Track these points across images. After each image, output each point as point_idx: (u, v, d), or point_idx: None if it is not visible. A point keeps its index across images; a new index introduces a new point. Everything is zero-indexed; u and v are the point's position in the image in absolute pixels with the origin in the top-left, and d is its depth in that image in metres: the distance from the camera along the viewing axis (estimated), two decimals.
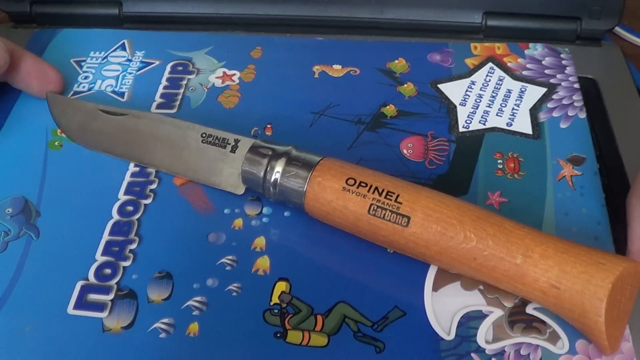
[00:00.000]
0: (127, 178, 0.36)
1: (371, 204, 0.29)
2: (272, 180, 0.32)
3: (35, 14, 0.47)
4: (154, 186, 0.36)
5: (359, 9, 0.46)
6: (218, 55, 0.43)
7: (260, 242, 0.33)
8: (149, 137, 0.36)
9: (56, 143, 0.38)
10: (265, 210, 0.34)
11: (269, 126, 0.38)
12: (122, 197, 0.35)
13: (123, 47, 0.44)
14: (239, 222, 0.34)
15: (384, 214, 0.29)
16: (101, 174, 0.36)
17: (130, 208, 0.35)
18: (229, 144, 0.34)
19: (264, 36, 0.45)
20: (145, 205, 0.35)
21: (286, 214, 0.34)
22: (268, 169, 0.32)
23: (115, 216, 0.34)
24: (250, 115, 0.39)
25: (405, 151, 0.37)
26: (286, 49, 0.43)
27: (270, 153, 0.32)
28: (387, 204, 0.29)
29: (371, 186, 0.30)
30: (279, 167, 0.32)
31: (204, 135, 0.35)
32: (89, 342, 0.30)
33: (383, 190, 0.29)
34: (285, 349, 0.29)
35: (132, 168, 0.36)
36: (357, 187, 0.30)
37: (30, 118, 0.39)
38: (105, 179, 0.36)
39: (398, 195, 0.29)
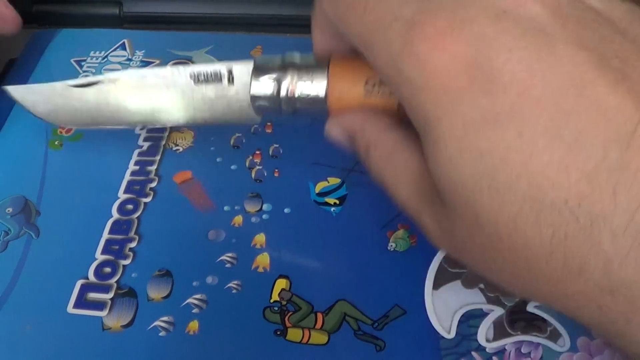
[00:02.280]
0: (127, 176, 0.36)
1: (398, 103, 0.27)
2: (286, 99, 0.28)
3: (35, 14, 0.47)
4: (153, 184, 0.36)
5: None
6: (218, 54, 0.43)
7: (260, 239, 0.33)
8: (136, 98, 0.32)
9: (56, 142, 0.38)
10: (265, 207, 0.34)
11: (269, 124, 0.38)
12: (122, 195, 0.35)
13: (123, 47, 0.44)
14: (238, 219, 0.34)
15: None
16: (101, 173, 0.36)
17: (130, 206, 0.35)
18: (223, 76, 0.30)
19: (264, 36, 0.45)
20: (145, 203, 0.35)
21: (286, 210, 0.34)
22: (280, 87, 0.28)
23: (115, 215, 0.34)
24: None
25: None
26: (286, 48, 0.43)
27: (275, 73, 0.29)
28: None
29: None
30: (288, 85, 0.28)
31: (192, 75, 0.30)
32: (89, 341, 0.30)
33: None
34: (285, 346, 0.29)
35: (132, 167, 0.36)
36: (379, 87, 0.27)
37: (31, 117, 0.39)
38: (105, 178, 0.36)
39: None
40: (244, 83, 0.30)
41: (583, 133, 0.17)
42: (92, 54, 0.43)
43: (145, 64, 0.42)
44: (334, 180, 0.35)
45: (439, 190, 0.21)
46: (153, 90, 0.31)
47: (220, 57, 0.43)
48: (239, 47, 0.44)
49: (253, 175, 0.36)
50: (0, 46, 0.44)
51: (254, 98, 0.29)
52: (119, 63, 0.43)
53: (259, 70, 0.29)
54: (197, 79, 0.30)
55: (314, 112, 0.29)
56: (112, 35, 0.45)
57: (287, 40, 0.45)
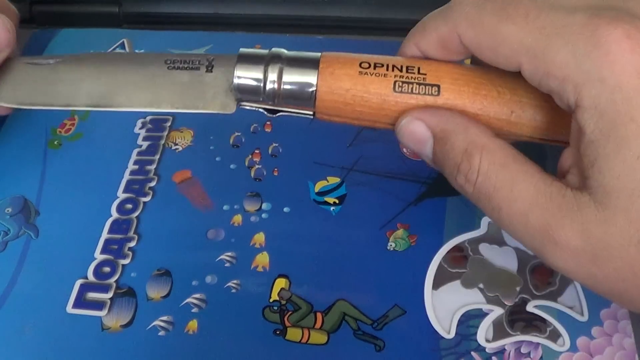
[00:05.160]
0: (126, 176, 0.36)
1: (395, 81, 0.26)
2: (274, 85, 0.27)
3: (35, 14, 0.47)
4: (153, 184, 0.35)
5: (359, 9, 0.46)
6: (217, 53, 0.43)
7: (259, 238, 0.33)
8: (96, 77, 0.29)
9: (55, 142, 0.38)
10: (264, 206, 0.34)
11: (268, 123, 0.38)
12: (121, 195, 0.35)
13: (122, 47, 0.44)
14: (238, 218, 0.34)
15: (412, 88, 0.26)
16: (100, 173, 0.36)
17: (129, 206, 0.35)
18: (202, 64, 0.29)
19: (264, 35, 0.45)
20: (144, 202, 0.35)
21: (286, 209, 0.34)
22: (267, 73, 0.27)
23: (114, 214, 0.34)
24: (249, 112, 0.39)
25: (405, 150, 0.37)
26: (286, 47, 0.43)
27: (264, 58, 0.28)
28: (412, 77, 0.27)
29: (388, 65, 0.27)
30: (277, 70, 0.27)
31: (168, 62, 0.29)
32: (88, 341, 0.30)
33: (402, 66, 0.27)
34: (285, 346, 0.29)
35: (131, 166, 0.36)
36: (374, 69, 0.27)
37: (30, 117, 0.39)
38: (104, 177, 0.36)
39: (419, 68, 0.27)
40: (224, 71, 0.28)
41: None
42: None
43: None
44: (333, 180, 0.35)
45: (603, 192, 0.21)
46: (118, 70, 0.29)
47: None
48: (238, 46, 0.43)
49: (252, 174, 0.36)
50: None
51: (237, 85, 0.28)
52: None
53: (244, 58, 0.28)
54: (172, 65, 0.29)
55: (300, 98, 0.27)
56: (111, 35, 0.45)
57: (287, 39, 0.45)
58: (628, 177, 0.20)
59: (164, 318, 0.30)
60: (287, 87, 0.27)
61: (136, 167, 0.36)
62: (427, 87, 0.26)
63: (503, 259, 0.31)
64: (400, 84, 0.26)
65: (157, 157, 0.37)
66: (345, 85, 0.27)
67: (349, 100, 0.27)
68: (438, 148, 0.25)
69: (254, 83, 0.27)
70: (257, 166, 0.36)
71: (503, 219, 0.23)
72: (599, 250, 0.21)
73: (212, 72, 0.28)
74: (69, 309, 0.31)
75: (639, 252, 0.21)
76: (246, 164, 0.36)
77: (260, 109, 0.29)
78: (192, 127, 0.38)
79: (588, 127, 0.21)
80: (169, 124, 0.38)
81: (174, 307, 0.30)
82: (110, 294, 0.31)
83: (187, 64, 0.29)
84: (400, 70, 0.26)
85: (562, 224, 0.22)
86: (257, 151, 0.37)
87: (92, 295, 0.31)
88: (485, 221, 0.33)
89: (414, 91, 0.26)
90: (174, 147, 0.37)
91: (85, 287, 0.31)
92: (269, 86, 0.27)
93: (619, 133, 0.20)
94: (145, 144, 0.38)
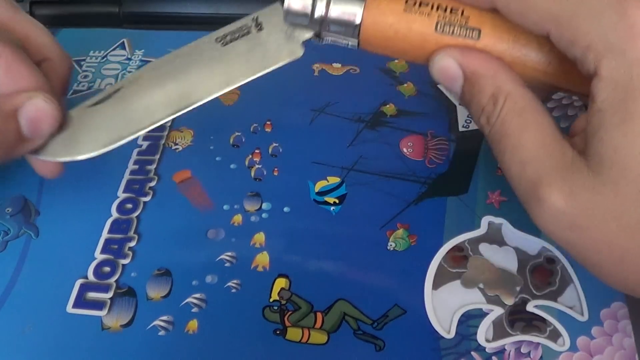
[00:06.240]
0: (127, 176, 0.36)
1: (438, 21, 0.27)
2: (323, 16, 0.27)
3: (35, 14, 0.47)
4: (153, 183, 0.35)
5: None
6: None
7: (259, 237, 0.33)
8: (164, 87, 0.29)
9: None
10: (264, 206, 0.34)
11: (268, 122, 0.38)
12: (121, 194, 0.35)
13: (122, 46, 0.44)
14: (238, 218, 0.34)
15: (453, 30, 0.27)
16: (100, 172, 0.36)
17: (129, 206, 0.35)
18: (251, 27, 0.29)
19: None
20: (144, 202, 0.35)
21: (286, 209, 0.34)
22: (315, 8, 0.27)
23: (115, 214, 0.34)
24: (249, 112, 0.39)
25: (405, 150, 0.37)
26: None
27: None
28: (454, 19, 0.27)
29: (433, 4, 0.27)
30: (324, 2, 0.27)
31: (218, 39, 0.30)
32: (88, 341, 0.30)
33: (446, 7, 0.27)
34: (285, 346, 0.29)
35: (131, 166, 0.36)
36: (419, 7, 0.27)
37: None
38: (105, 177, 0.36)
39: (463, 10, 0.27)
40: (275, 22, 0.29)
41: None
42: (91, 53, 0.43)
43: (144, 63, 0.42)
44: (333, 179, 0.35)
45: (599, 161, 0.21)
46: (180, 72, 0.30)
47: None
48: None
49: (252, 174, 0.36)
50: None
51: (288, 13, 0.27)
52: (119, 62, 0.43)
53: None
54: (224, 40, 0.29)
55: (346, 25, 0.27)
56: (111, 35, 0.45)
57: None
58: (625, 151, 0.20)
59: (164, 318, 0.30)
60: (335, 22, 0.27)
61: (136, 166, 0.36)
62: (468, 30, 0.26)
63: (503, 259, 0.32)
64: (442, 25, 0.27)
65: (157, 157, 0.37)
66: (389, 20, 0.27)
67: (392, 35, 0.27)
68: (467, 88, 0.26)
69: (302, 10, 0.27)
70: (257, 166, 0.36)
71: (504, 163, 0.24)
72: (581, 217, 0.21)
73: (263, 29, 0.29)
74: (69, 308, 0.31)
75: (619, 227, 0.21)
76: (246, 163, 0.36)
77: (314, 40, 0.29)
78: (192, 127, 0.38)
79: (599, 97, 0.21)
80: (169, 123, 0.38)
81: (174, 307, 0.30)
82: (110, 294, 0.31)
83: (238, 33, 0.29)
84: (445, 11, 0.27)
85: (552, 182, 0.22)
86: (257, 151, 0.37)
87: (92, 295, 0.31)
88: (485, 221, 0.33)
89: (454, 33, 0.26)
90: (174, 147, 0.37)
91: (86, 287, 0.31)
92: (317, 13, 0.27)
93: (628, 107, 0.20)
94: (145, 144, 0.38)
